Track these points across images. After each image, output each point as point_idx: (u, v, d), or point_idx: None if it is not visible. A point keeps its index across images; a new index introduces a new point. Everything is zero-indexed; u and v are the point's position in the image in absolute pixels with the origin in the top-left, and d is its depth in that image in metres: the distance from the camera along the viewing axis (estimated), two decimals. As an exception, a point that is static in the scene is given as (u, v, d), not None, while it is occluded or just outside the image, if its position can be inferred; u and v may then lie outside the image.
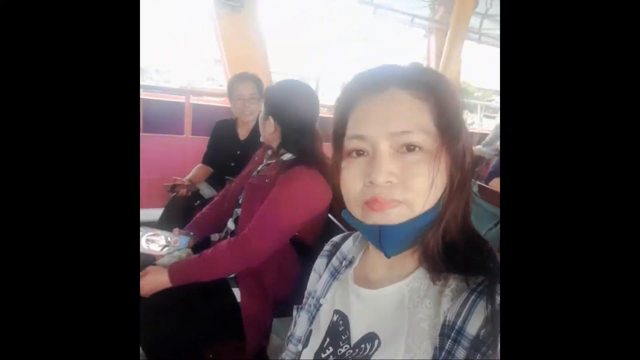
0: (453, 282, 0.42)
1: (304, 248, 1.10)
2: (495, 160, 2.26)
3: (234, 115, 1.90)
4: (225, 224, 1.25)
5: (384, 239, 0.43)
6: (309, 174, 1.02)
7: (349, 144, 0.46)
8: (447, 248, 0.44)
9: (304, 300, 0.62)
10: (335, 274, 0.57)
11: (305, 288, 0.63)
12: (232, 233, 1.19)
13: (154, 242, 1.10)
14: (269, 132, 1.14)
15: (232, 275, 1.10)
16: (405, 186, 0.42)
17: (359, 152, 0.45)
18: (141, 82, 2.35)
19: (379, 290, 0.48)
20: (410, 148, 0.42)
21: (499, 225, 1.34)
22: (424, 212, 0.43)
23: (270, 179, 1.08)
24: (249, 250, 1.00)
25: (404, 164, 0.42)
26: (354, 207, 0.46)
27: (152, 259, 1.08)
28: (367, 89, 0.46)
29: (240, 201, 1.21)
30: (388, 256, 0.45)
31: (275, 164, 1.12)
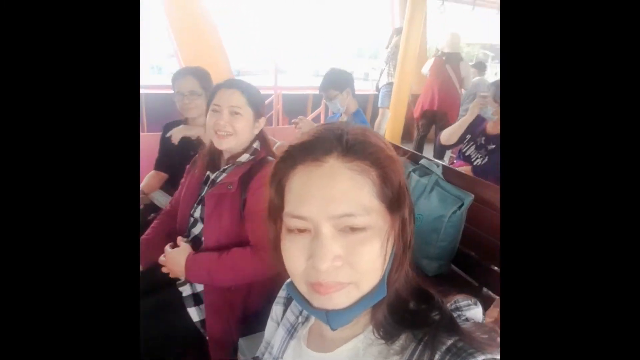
0: (402, 336, 0.42)
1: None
2: (466, 147, 2.23)
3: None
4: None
5: (331, 320, 0.41)
6: None
7: (289, 221, 0.42)
8: (396, 306, 0.43)
9: (262, 348, 0.59)
10: (291, 331, 0.54)
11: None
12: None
13: None
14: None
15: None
16: (352, 267, 0.40)
17: (301, 230, 0.41)
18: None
19: (333, 352, 0.46)
20: (354, 228, 0.40)
21: (463, 207, 1.32)
22: (372, 290, 0.41)
23: (233, 185, 1.04)
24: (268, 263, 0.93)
25: (349, 243, 0.40)
26: (299, 282, 0.43)
27: None
28: (306, 159, 0.41)
29: (196, 215, 1.14)
30: (333, 329, 0.42)
31: (236, 169, 1.08)
